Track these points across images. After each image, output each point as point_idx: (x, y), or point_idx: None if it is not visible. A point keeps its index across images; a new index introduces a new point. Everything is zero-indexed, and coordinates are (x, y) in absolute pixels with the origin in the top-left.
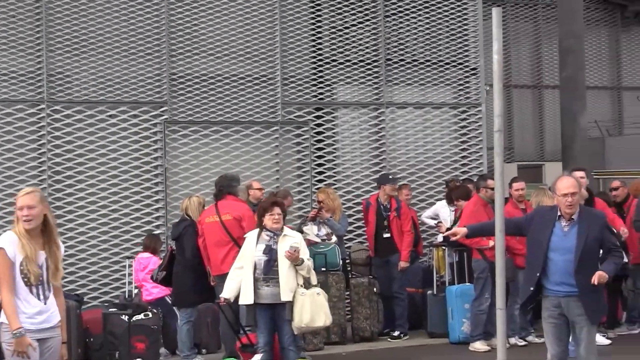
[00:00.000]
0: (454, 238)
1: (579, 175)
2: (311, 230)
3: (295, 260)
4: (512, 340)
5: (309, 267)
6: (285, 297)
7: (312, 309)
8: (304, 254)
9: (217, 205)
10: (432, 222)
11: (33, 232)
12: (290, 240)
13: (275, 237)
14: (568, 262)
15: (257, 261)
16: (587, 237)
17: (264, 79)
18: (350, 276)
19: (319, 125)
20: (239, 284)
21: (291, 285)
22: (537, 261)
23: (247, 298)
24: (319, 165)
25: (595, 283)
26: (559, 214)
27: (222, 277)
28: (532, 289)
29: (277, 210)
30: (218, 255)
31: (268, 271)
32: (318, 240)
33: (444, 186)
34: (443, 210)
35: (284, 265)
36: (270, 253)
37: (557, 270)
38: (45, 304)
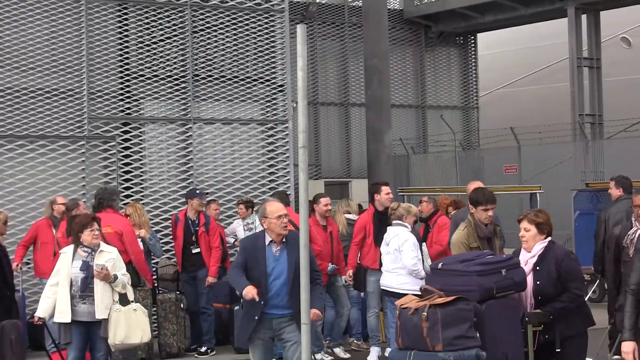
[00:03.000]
0: None
1: (385, 190)
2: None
3: (105, 278)
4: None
5: (123, 283)
6: (100, 314)
7: (127, 326)
8: (121, 268)
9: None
10: (232, 241)
11: None
12: (107, 255)
13: (92, 252)
14: (283, 285)
15: (74, 278)
16: (296, 259)
17: (70, 92)
18: (157, 292)
19: (126, 140)
20: (54, 302)
21: (106, 303)
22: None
23: (63, 316)
24: (126, 180)
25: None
26: (269, 239)
27: None
28: (256, 317)
29: (96, 225)
30: None
31: (85, 288)
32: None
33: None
34: (239, 229)
35: (99, 282)
36: (87, 270)
37: (274, 294)
38: None
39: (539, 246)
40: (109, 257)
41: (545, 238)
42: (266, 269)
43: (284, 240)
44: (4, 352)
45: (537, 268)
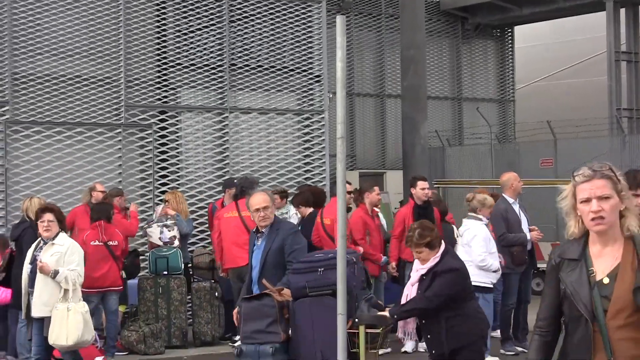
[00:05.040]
0: None
1: (421, 185)
2: (154, 233)
3: (42, 272)
4: None
5: (66, 278)
6: (36, 311)
7: (59, 326)
8: (69, 263)
9: (237, 203)
10: None
11: None
12: (58, 248)
13: (43, 246)
14: (257, 272)
15: (26, 272)
16: (270, 249)
17: (108, 80)
18: (192, 280)
19: (162, 128)
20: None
21: (45, 299)
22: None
23: (24, 312)
24: (162, 168)
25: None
26: (257, 230)
27: (236, 270)
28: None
29: (47, 216)
30: (234, 249)
31: (32, 283)
32: (160, 243)
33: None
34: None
35: (40, 278)
36: (34, 263)
37: (254, 283)
38: None
39: (432, 262)
40: (56, 251)
41: (439, 249)
42: (250, 261)
43: (262, 230)
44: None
45: (424, 278)
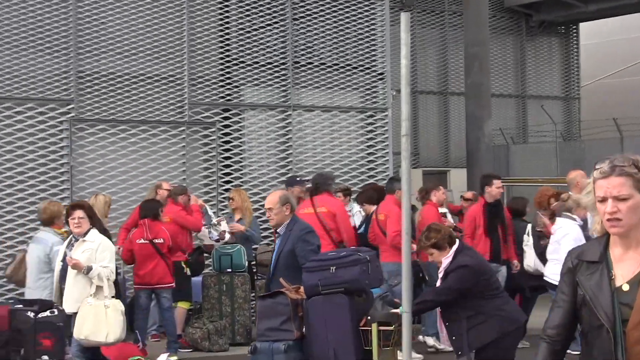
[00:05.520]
0: None
1: (497, 184)
2: (204, 235)
3: (75, 268)
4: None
5: (100, 274)
6: (68, 307)
7: (94, 322)
8: (101, 260)
9: (313, 200)
10: None
11: None
12: (89, 245)
13: (75, 242)
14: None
15: (59, 269)
16: (282, 250)
17: (172, 78)
18: (255, 277)
19: (226, 126)
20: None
21: (76, 296)
22: None
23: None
24: (226, 166)
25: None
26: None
27: None
28: None
29: (77, 213)
30: None
31: (63, 279)
32: (212, 242)
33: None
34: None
35: (71, 274)
36: (65, 260)
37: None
38: None
39: (447, 261)
40: (87, 247)
41: (450, 248)
42: (270, 261)
43: (278, 231)
44: None
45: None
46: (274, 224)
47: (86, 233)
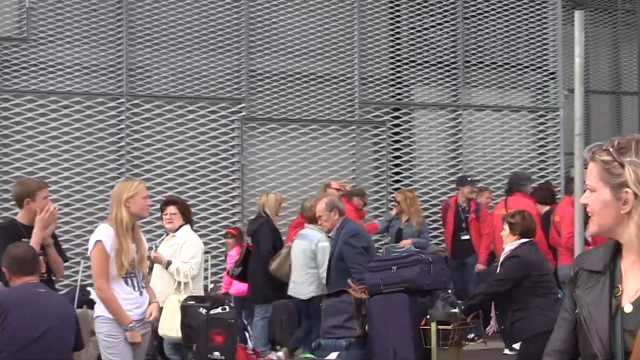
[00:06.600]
0: None
1: None
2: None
3: (157, 262)
4: None
5: (179, 269)
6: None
7: (169, 318)
8: (185, 255)
9: (506, 201)
10: None
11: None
12: (177, 240)
13: (166, 237)
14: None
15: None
16: (333, 254)
17: (342, 77)
18: None
19: (395, 125)
20: None
21: (159, 289)
22: None
23: None
24: (396, 165)
25: None
26: None
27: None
28: None
29: (170, 209)
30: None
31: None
32: None
33: None
34: None
35: (156, 268)
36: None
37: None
38: (141, 295)
39: (508, 248)
40: (175, 243)
41: (520, 239)
42: None
43: (330, 235)
44: (274, 331)
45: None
46: (326, 230)
47: (177, 229)
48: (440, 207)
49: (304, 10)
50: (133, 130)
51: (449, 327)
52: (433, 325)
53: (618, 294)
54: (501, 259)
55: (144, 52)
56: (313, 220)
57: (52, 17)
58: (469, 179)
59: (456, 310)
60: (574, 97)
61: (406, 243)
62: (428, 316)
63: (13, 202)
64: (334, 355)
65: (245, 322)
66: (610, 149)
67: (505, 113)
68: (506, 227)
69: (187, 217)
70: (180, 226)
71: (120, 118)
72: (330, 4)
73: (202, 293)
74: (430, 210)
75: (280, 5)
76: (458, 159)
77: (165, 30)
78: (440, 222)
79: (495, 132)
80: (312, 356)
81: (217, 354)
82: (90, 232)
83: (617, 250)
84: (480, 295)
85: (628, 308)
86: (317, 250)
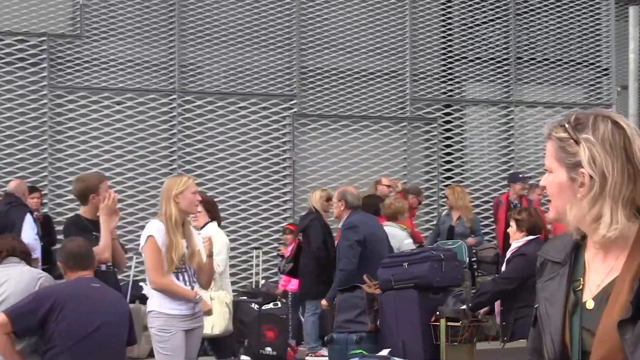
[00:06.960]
0: None
1: None
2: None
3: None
4: None
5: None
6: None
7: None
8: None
9: None
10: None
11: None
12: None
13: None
14: None
15: None
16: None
17: (393, 74)
18: (476, 274)
19: (447, 122)
20: None
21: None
22: None
23: None
24: (447, 162)
25: None
26: None
27: None
28: None
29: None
30: None
31: None
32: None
33: None
34: None
35: None
36: None
37: None
38: (192, 289)
39: (515, 245)
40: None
41: (527, 236)
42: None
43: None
44: (326, 327)
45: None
46: (334, 216)
47: (203, 226)
48: (491, 204)
49: (355, 7)
50: (185, 126)
51: (458, 324)
52: (442, 322)
53: (579, 288)
54: (507, 256)
55: (196, 49)
56: (392, 217)
57: (105, 14)
58: (520, 175)
59: (464, 306)
60: (626, 93)
61: (471, 242)
62: (437, 312)
63: (67, 198)
64: (386, 351)
65: (302, 319)
66: (566, 125)
67: (557, 110)
68: (513, 223)
69: (213, 214)
70: (206, 223)
71: (172, 114)
72: (381, 0)
73: (229, 289)
74: (482, 207)
75: (332, 2)
76: (509, 156)
77: (217, 27)
78: (492, 219)
79: None
80: (363, 352)
81: (268, 349)
82: (143, 228)
83: (582, 238)
84: (488, 293)
85: (590, 304)
86: (401, 248)
